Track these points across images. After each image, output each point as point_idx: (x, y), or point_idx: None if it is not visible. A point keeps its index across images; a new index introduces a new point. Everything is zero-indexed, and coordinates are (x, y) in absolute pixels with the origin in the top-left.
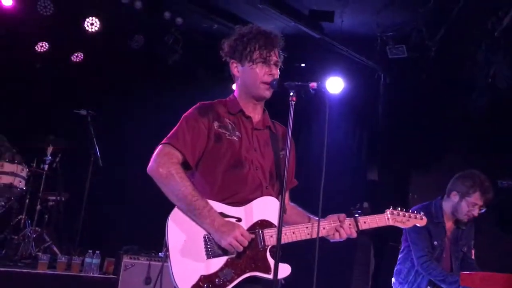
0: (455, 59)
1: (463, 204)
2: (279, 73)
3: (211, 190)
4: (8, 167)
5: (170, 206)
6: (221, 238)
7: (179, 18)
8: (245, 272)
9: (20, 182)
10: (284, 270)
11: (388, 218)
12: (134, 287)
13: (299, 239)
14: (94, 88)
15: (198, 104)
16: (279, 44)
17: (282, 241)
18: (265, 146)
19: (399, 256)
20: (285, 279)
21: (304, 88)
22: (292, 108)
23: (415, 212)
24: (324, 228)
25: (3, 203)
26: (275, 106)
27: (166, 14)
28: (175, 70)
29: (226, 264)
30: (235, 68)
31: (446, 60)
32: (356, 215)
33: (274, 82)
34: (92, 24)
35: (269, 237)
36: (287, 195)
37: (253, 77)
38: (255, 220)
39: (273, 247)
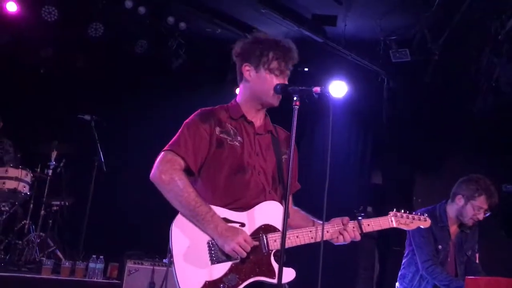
0: (458, 63)
1: (468, 207)
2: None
3: (214, 195)
4: (12, 172)
5: (173, 211)
6: (224, 244)
7: (182, 23)
8: (249, 277)
9: (24, 187)
10: (289, 274)
11: (392, 220)
12: None
13: (303, 243)
14: (98, 93)
15: (199, 110)
16: (296, 58)
17: (286, 246)
18: (267, 151)
19: (403, 261)
20: (289, 283)
21: (308, 93)
22: (295, 113)
23: (419, 214)
24: (328, 232)
25: (7, 208)
26: (278, 110)
27: (170, 19)
28: (179, 75)
29: (231, 270)
30: (248, 72)
31: (450, 64)
32: (360, 218)
33: (278, 87)
34: (96, 29)
35: (273, 241)
36: (290, 199)
37: (267, 85)
38: (258, 224)
39: (277, 251)
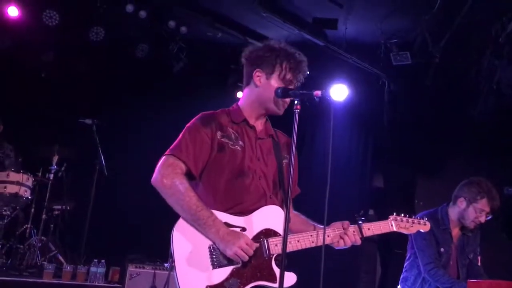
0: (459, 66)
1: (470, 210)
2: None
3: (215, 200)
4: (13, 176)
5: (175, 215)
6: (226, 248)
7: (183, 27)
8: (251, 282)
9: (26, 191)
10: (290, 278)
11: (392, 224)
12: None
13: (304, 247)
14: (99, 97)
15: (200, 114)
16: (306, 71)
17: (287, 250)
18: (268, 155)
19: (405, 264)
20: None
21: (308, 96)
22: (296, 116)
23: (419, 217)
24: (328, 236)
25: (8, 213)
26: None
27: (171, 23)
28: (180, 78)
29: (232, 274)
30: (258, 78)
31: (451, 67)
32: (360, 222)
33: (279, 91)
34: (97, 33)
35: (274, 246)
36: (290, 204)
37: (275, 94)
38: (259, 229)
39: (278, 255)
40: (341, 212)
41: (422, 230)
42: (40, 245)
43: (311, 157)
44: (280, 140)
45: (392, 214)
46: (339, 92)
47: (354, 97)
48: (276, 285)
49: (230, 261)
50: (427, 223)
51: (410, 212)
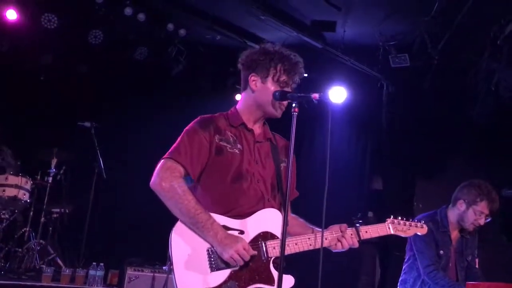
0: (458, 68)
1: (470, 212)
2: None
3: (213, 203)
4: (12, 179)
5: (173, 218)
6: (223, 251)
7: (182, 29)
8: (249, 284)
9: (24, 194)
10: (288, 281)
11: (389, 227)
12: None
13: (302, 250)
14: (98, 100)
15: (199, 118)
16: (303, 72)
17: (285, 253)
18: (266, 158)
19: (404, 266)
20: None
21: (306, 99)
22: (294, 119)
23: (416, 220)
24: (326, 239)
25: (7, 216)
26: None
27: (169, 26)
28: (179, 81)
29: (230, 277)
30: (254, 82)
31: (449, 69)
32: (357, 225)
33: (277, 94)
34: (96, 36)
35: (272, 248)
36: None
37: (272, 97)
38: (257, 232)
39: (276, 258)
40: (340, 215)
41: (419, 233)
42: (38, 248)
43: (310, 160)
44: (278, 143)
45: (390, 217)
46: (337, 94)
47: (353, 99)
48: (274, 287)
49: (228, 264)
50: (424, 226)
51: (409, 214)
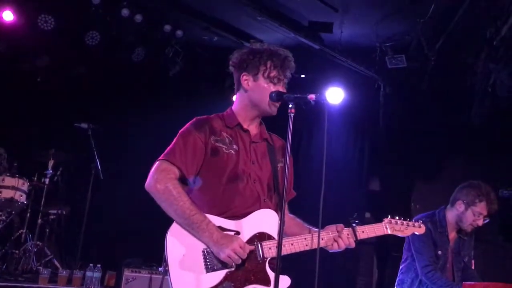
0: (454, 69)
1: (469, 213)
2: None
3: (209, 204)
4: (9, 181)
5: (171, 219)
6: (219, 251)
7: (179, 30)
8: (245, 285)
9: (21, 196)
10: (284, 282)
11: (386, 227)
12: None
13: (298, 250)
14: (95, 101)
15: (194, 119)
16: (293, 67)
17: (281, 253)
18: (262, 159)
19: (401, 266)
20: None
21: (303, 100)
22: (291, 120)
23: (413, 220)
24: (322, 239)
25: (4, 217)
26: (275, 118)
27: (167, 27)
28: (176, 82)
29: (226, 278)
30: (246, 81)
31: (446, 70)
32: (354, 225)
33: (273, 94)
34: (92, 37)
35: (268, 249)
36: (286, 207)
37: (265, 94)
38: (253, 233)
39: (272, 259)
40: (338, 215)
41: (417, 233)
42: (35, 250)
43: (308, 160)
44: (275, 143)
45: (387, 217)
46: (334, 95)
47: (350, 100)
48: None
49: (224, 265)
50: (422, 225)
51: (406, 215)
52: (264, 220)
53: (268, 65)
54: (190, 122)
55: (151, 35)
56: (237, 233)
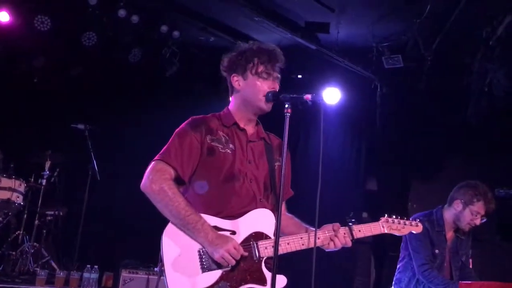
0: (451, 68)
1: (466, 212)
2: (279, 87)
3: (204, 204)
4: (5, 182)
5: (167, 220)
6: (214, 251)
7: (176, 31)
8: (240, 285)
9: (18, 197)
10: (280, 281)
11: (383, 226)
12: None
13: (294, 250)
14: (92, 102)
15: (190, 119)
16: (281, 59)
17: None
18: (259, 158)
19: (398, 265)
20: None
21: (299, 100)
22: (287, 120)
23: (411, 219)
24: (319, 238)
25: (0, 219)
26: (271, 117)
27: (163, 27)
28: (173, 83)
29: (222, 277)
30: (236, 82)
31: (442, 69)
32: (350, 224)
33: (270, 94)
34: (89, 38)
35: (264, 248)
36: (283, 206)
37: (256, 90)
38: (249, 232)
39: (268, 258)
40: (335, 215)
41: (414, 232)
42: (32, 251)
43: (306, 160)
44: (273, 142)
45: (384, 216)
46: (331, 95)
47: (347, 100)
48: (267, 287)
49: (219, 265)
50: (419, 224)
51: (404, 214)
52: (260, 219)
53: (255, 62)
54: (186, 121)
55: (147, 35)
56: (233, 232)
